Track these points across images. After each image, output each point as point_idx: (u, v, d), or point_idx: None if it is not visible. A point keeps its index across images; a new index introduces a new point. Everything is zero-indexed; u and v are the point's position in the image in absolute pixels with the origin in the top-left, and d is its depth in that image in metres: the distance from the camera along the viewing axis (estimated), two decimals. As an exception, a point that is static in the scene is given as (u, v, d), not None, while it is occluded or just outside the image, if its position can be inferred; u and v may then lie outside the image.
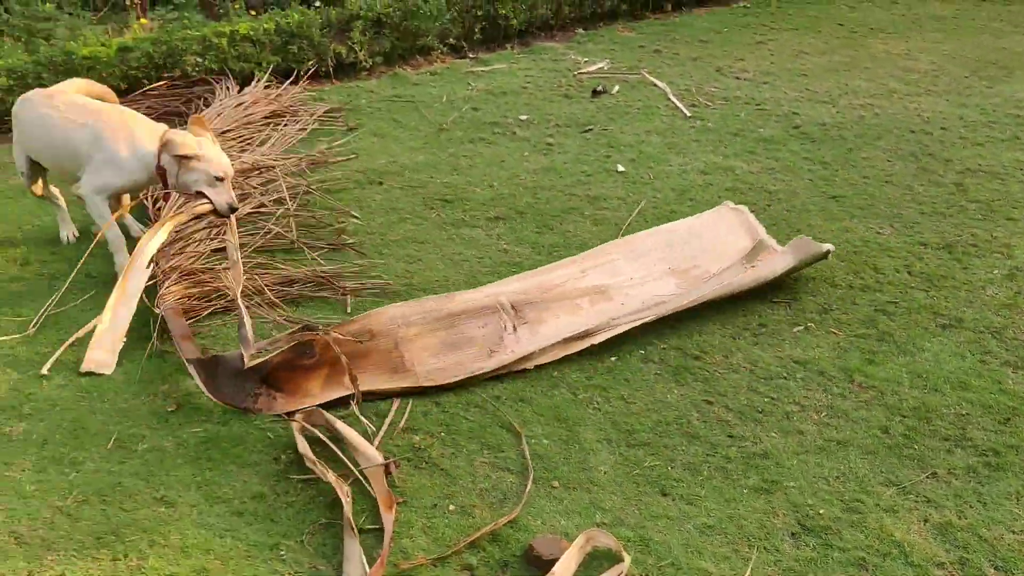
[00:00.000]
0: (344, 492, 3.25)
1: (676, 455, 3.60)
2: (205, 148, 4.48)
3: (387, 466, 3.38)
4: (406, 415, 3.78)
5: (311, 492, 3.40)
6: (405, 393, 3.93)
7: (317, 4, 9.05)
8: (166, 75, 7.83)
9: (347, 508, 3.18)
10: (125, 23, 9.35)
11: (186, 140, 4.46)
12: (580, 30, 9.36)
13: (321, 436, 3.57)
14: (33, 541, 3.17)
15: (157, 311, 4.34)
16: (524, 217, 5.50)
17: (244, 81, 7.72)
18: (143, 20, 9.20)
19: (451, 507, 3.33)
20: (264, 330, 4.32)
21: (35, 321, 4.44)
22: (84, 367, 4.07)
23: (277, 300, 4.56)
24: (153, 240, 4.39)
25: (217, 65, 7.86)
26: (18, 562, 3.08)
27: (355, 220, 5.48)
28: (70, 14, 9.37)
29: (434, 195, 5.83)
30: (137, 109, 7.29)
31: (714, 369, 4.10)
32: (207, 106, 7.14)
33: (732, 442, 3.66)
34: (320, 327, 4.00)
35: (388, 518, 3.18)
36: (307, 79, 7.87)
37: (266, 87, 7.49)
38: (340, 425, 3.55)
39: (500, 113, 7.19)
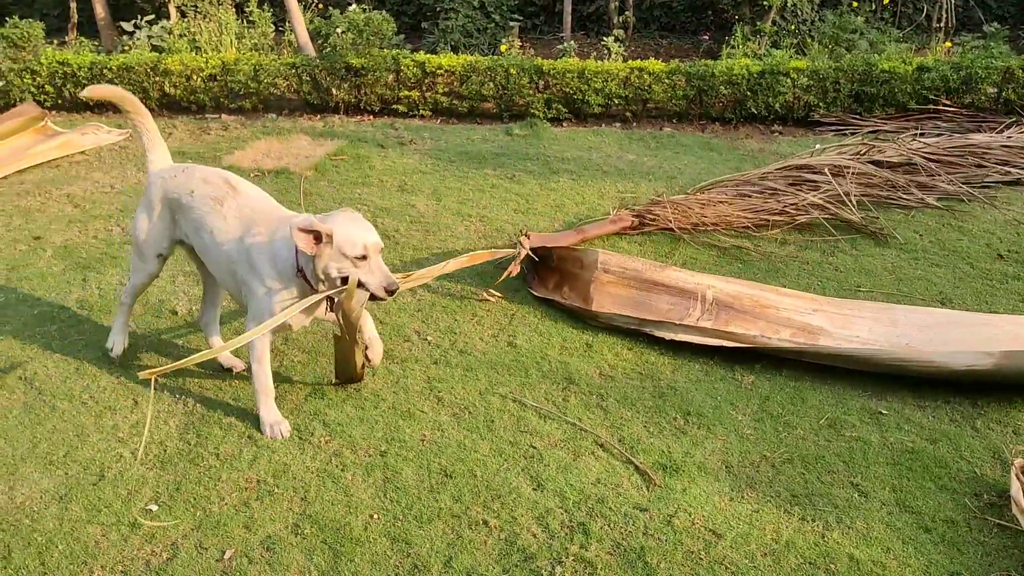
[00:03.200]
0: (1047, 556, 3.02)
1: None
2: (333, 223, 3.63)
3: (1107, 550, 3.03)
4: None
5: (1005, 540, 3.22)
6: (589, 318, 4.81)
7: None
8: (950, 101, 7.80)
9: (1047, 573, 2.95)
10: (927, 44, 9.49)
11: (308, 221, 3.60)
12: None
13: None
14: (740, 475, 3.57)
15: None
16: None
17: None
18: (947, 44, 9.22)
19: None
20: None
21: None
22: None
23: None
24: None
25: (1015, 98, 7.59)
26: (724, 485, 3.50)
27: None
28: (877, 29, 9.79)
29: None
30: (921, 127, 7.56)
31: None
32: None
33: None
34: (524, 238, 5.25)
35: (1093, 603, 2.87)
36: None
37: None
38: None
39: None
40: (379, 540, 3.21)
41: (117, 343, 4.39)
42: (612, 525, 3.28)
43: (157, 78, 9.11)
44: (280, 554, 3.14)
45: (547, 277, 5.23)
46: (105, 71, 9.10)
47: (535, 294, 5.08)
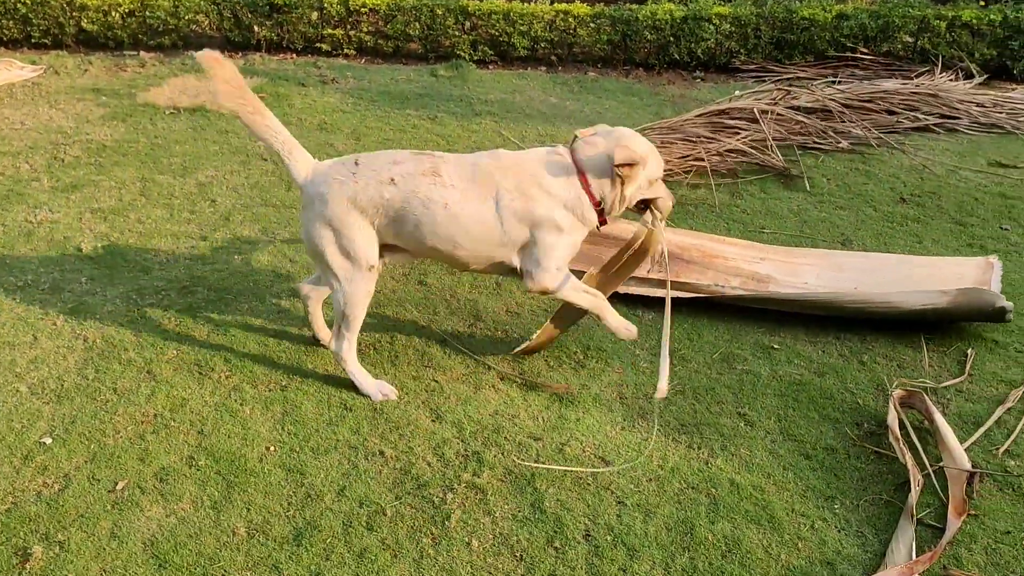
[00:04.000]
0: (916, 480, 3.17)
1: None
2: (637, 145, 3.52)
3: (972, 475, 3.20)
4: (1013, 436, 3.51)
5: (880, 466, 3.38)
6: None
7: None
8: (867, 49, 7.94)
9: (914, 495, 3.10)
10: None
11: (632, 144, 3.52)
12: None
13: (902, 418, 3.51)
14: (633, 406, 3.67)
15: None
16: None
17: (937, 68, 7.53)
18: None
19: (1026, 543, 3.05)
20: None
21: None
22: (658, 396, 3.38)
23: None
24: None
25: (929, 47, 7.75)
26: (616, 416, 3.59)
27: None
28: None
29: None
30: (839, 74, 7.66)
31: None
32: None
33: None
34: None
35: (954, 523, 3.03)
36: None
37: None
38: (939, 417, 3.43)
39: None
40: (274, 471, 3.24)
41: (376, 391, 3.68)
42: (505, 453, 3.36)
43: (74, 13, 8.83)
44: (173, 485, 3.16)
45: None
46: (19, 5, 8.78)
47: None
